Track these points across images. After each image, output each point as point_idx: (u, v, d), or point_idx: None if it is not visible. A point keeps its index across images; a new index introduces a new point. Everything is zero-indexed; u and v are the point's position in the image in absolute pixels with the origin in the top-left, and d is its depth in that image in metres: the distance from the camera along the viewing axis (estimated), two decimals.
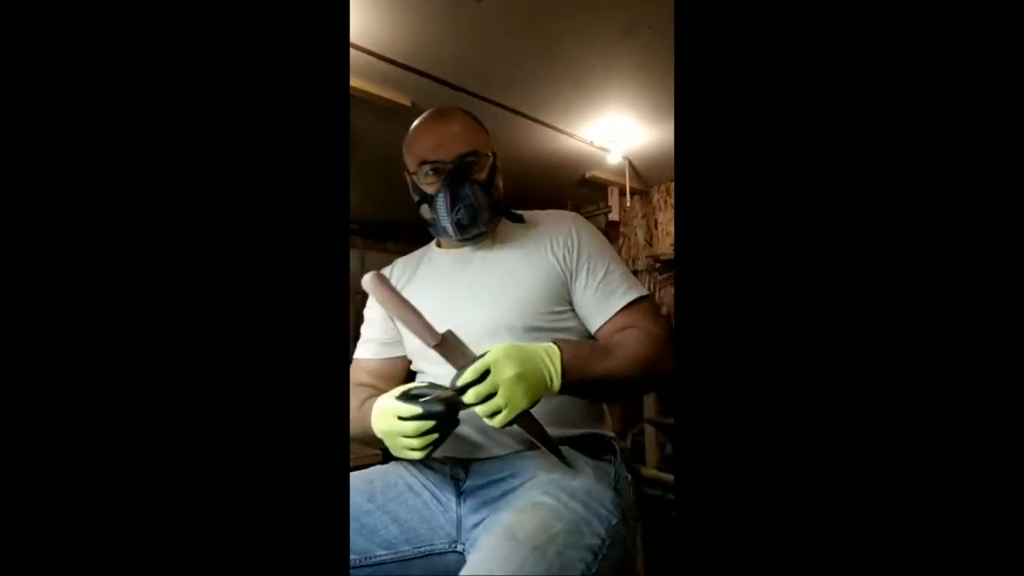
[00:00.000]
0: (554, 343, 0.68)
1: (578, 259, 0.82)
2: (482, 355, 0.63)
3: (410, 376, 0.91)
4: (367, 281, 0.66)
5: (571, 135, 2.46)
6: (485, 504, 0.72)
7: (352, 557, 0.68)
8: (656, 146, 2.65)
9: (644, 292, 0.82)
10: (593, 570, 0.59)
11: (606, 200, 3.21)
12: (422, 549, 0.72)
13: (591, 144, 2.55)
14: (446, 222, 0.82)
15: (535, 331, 0.78)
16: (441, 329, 0.67)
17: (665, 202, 3.30)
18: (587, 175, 2.94)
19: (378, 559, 0.70)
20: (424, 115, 0.87)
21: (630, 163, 2.87)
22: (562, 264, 0.82)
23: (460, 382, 0.62)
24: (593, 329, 0.82)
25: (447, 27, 1.69)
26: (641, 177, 3.14)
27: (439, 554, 0.71)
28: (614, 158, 2.71)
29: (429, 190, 0.83)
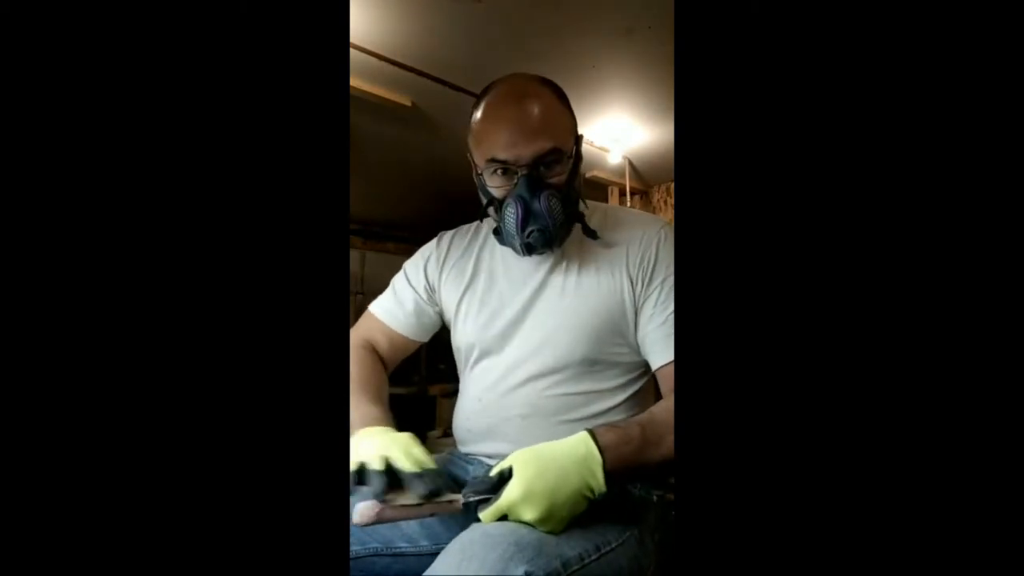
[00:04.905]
0: (596, 444, 0.58)
1: (650, 281, 0.72)
2: (500, 483, 0.58)
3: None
4: (366, 514, 0.57)
5: None
6: None
7: (375, 546, 0.70)
8: (656, 146, 2.65)
9: None
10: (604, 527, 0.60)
11: (606, 200, 3.22)
12: (440, 546, 0.72)
13: (591, 144, 2.55)
14: (515, 241, 0.69)
15: (595, 363, 0.73)
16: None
17: (665, 202, 3.30)
18: (587, 175, 2.94)
19: (399, 551, 0.71)
20: (499, 91, 0.70)
21: (630, 163, 2.88)
22: (634, 284, 0.72)
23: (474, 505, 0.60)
24: (655, 366, 0.72)
25: (447, 27, 1.69)
26: (641, 177, 3.14)
27: None
28: (614, 158, 2.71)
29: (497, 193, 0.70)
